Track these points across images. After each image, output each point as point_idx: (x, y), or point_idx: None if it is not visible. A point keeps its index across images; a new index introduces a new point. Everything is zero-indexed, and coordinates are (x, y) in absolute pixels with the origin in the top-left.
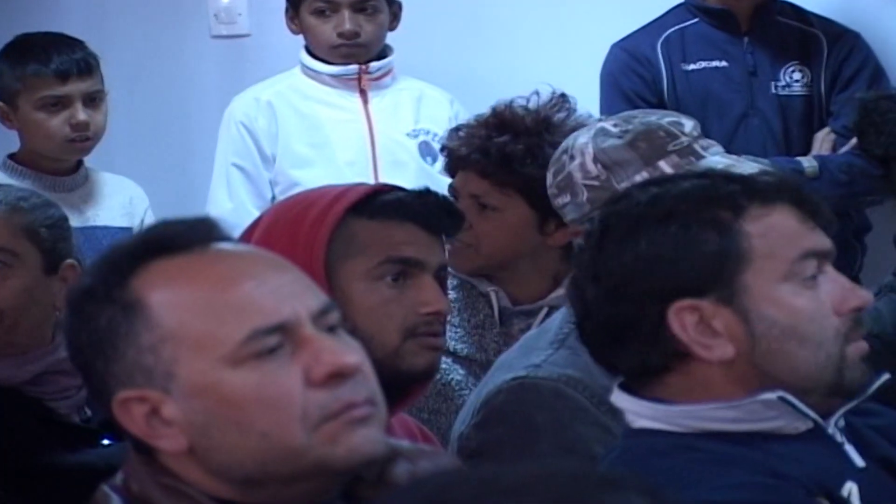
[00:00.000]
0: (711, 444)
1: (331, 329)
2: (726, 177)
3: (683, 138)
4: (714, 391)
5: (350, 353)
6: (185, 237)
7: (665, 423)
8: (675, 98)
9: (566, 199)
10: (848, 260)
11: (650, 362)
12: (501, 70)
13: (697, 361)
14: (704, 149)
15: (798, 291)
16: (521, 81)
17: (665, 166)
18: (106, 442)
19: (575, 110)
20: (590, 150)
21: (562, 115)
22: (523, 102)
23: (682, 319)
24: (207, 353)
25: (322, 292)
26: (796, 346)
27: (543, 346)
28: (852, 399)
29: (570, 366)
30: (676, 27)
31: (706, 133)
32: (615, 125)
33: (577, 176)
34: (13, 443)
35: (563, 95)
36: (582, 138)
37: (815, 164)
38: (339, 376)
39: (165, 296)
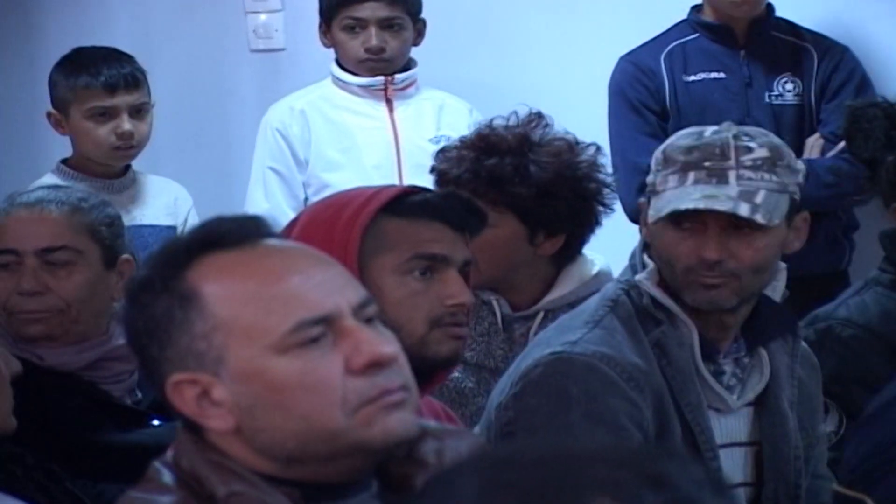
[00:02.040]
0: None
1: (369, 321)
2: None
3: (729, 162)
4: None
5: (387, 343)
6: (236, 233)
7: None
8: (677, 107)
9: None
10: (837, 256)
11: None
12: (515, 81)
13: None
14: (747, 179)
15: None
16: (532, 90)
17: (691, 177)
18: (156, 423)
19: (551, 126)
20: (671, 139)
21: (539, 131)
22: (503, 122)
23: None
24: (255, 341)
25: (361, 286)
26: None
27: (579, 326)
28: None
29: (604, 344)
30: (679, 41)
31: None
32: (713, 131)
33: (653, 159)
34: (70, 423)
35: (539, 114)
36: (684, 131)
37: (802, 167)
38: (376, 365)
39: (219, 288)
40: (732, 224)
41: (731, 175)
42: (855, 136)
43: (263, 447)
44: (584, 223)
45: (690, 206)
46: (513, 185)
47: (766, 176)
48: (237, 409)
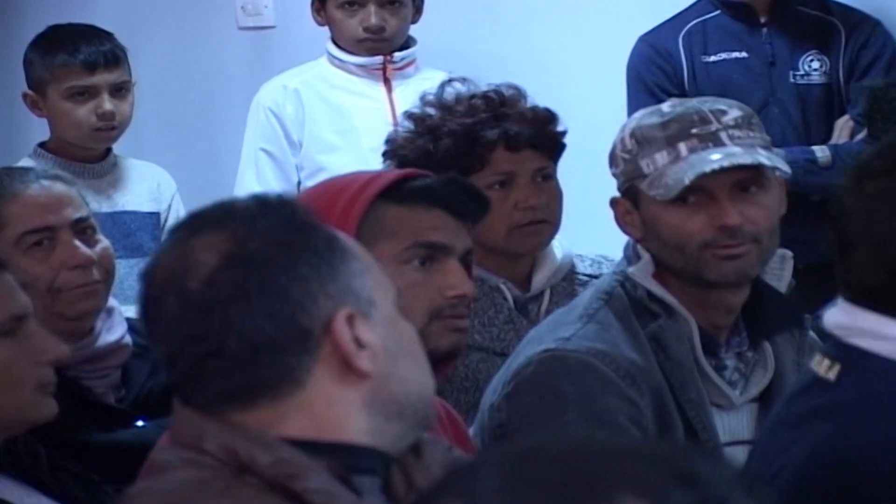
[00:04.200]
0: None
1: None
2: None
3: (714, 125)
4: None
5: None
6: None
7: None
8: (696, 89)
9: (612, 169)
10: None
11: None
12: (519, 60)
13: None
14: (736, 138)
15: None
16: (538, 68)
17: (683, 148)
18: (140, 423)
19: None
20: (633, 126)
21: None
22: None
23: None
24: (388, 292)
25: (399, 277)
26: None
27: (573, 321)
28: None
29: (599, 340)
30: (698, 19)
31: None
32: (670, 105)
33: (618, 149)
34: (54, 421)
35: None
36: (638, 113)
37: (828, 153)
38: None
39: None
40: (739, 188)
41: (724, 136)
42: (875, 117)
43: (385, 398)
44: None
45: (716, 166)
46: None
47: (751, 133)
48: (382, 352)
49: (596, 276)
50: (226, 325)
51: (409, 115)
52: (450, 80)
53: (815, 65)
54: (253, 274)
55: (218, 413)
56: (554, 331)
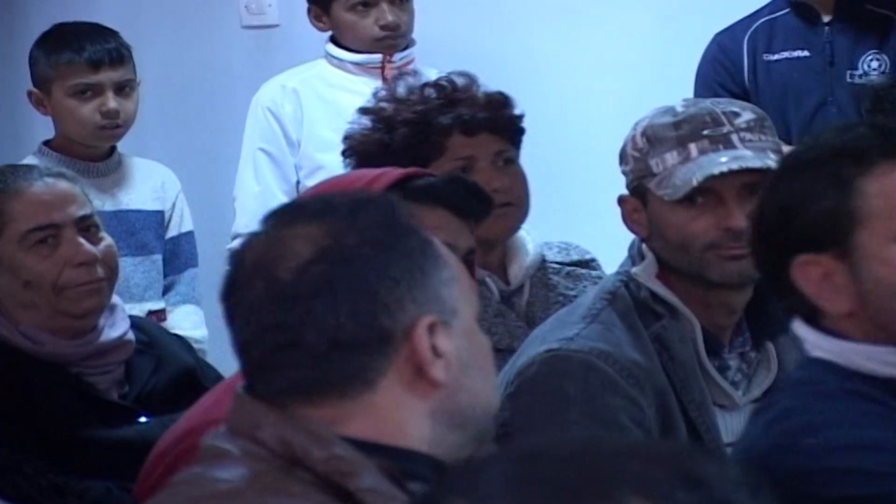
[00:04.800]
0: (876, 393)
1: None
2: (878, 129)
3: (726, 127)
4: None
5: None
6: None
7: (841, 358)
8: (756, 88)
9: (621, 167)
10: None
11: (796, 308)
12: (520, 57)
13: (829, 313)
14: (747, 141)
15: None
16: (539, 68)
17: (693, 149)
18: (143, 419)
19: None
20: (645, 123)
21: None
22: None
23: (805, 273)
24: (470, 304)
25: None
26: None
27: (576, 321)
28: None
29: (602, 340)
30: (767, 18)
31: (785, 122)
32: (684, 105)
33: (629, 147)
34: (57, 417)
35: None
36: (651, 112)
37: None
38: None
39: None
40: (748, 191)
41: (735, 139)
42: (877, 117)
43: (452, 408)
44: None
45: (724, 168)
46: None
47: (763, 136)
48: (457, 363)
49: (566, 263)
50: (308, 318)
51: (363, 110)
52: (401, 75)
53: (875, 64)
54: (343, 270)
55: (282, 405)
56: (557, 331)
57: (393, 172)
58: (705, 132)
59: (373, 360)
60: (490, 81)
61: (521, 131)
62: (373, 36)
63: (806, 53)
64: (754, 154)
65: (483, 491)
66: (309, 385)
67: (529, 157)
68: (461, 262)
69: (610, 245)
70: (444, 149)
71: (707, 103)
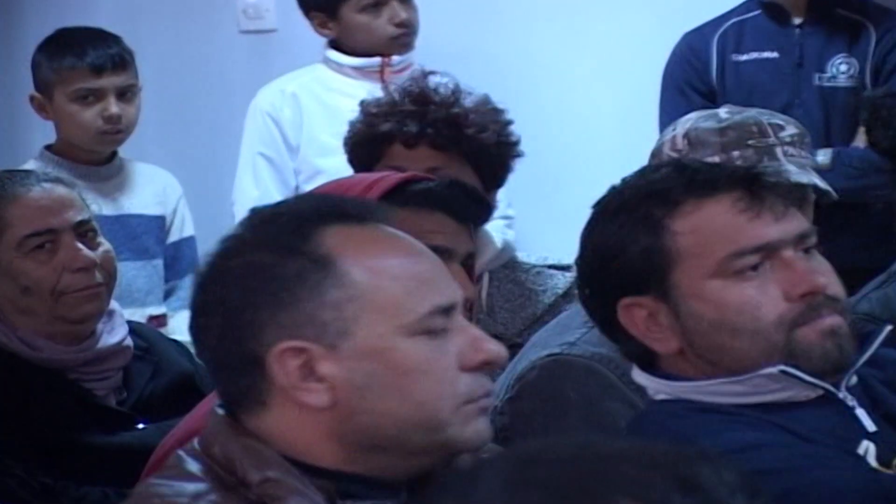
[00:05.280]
0: (728, 409)
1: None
2: (680, 168)
3: (771, 139)
4: (690, 376)
5: (500, 345)
6: (360, 209)
7: (682, 396)
8: (724, 88)
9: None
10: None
11: (632, 351)
12: (519, 60)
13: (660, 353)
14: (790, 156)
15: (728, 286)
16: (537, 70)
17: (737, 156)
18: (141, 426)
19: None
20: (687, 126)
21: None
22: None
23: (631, 315)
24: (390, 319)
25: None
26: (728, 337)
27: (577, 325)
28: (845, 370)
29: (603, 345)
30: (738, 18)
31: None
32: (728, 111)
33: (666, 147)
34: (54, 423)
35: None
36: (693, 114)
37: (828, 156)
38: (489, 365)
39: (359, 258)
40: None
41: (779, 151)
42: (874, 126)
43: (353, 431)
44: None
45: (773, 181)
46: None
47: (803, 153)
48: (346, 386)
49: (541, 265)
50: (201, 336)
51: (361, 102)
52: (424, 75)
53: (843, 67)
54: (219, 291)
55: (237, 417)
56: (558, 335)
57: (391, 177)
58: (750, 142)
59: (254, 382)
60: (488, 82)
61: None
62: (389, 34)
63: (775, 54)
64: (798, 169)
65: (479, 495)
66: (229, 400)
67: (525, 159)
68: (461, 267)
69: None
70: (382, 156)
71: (753, 112)
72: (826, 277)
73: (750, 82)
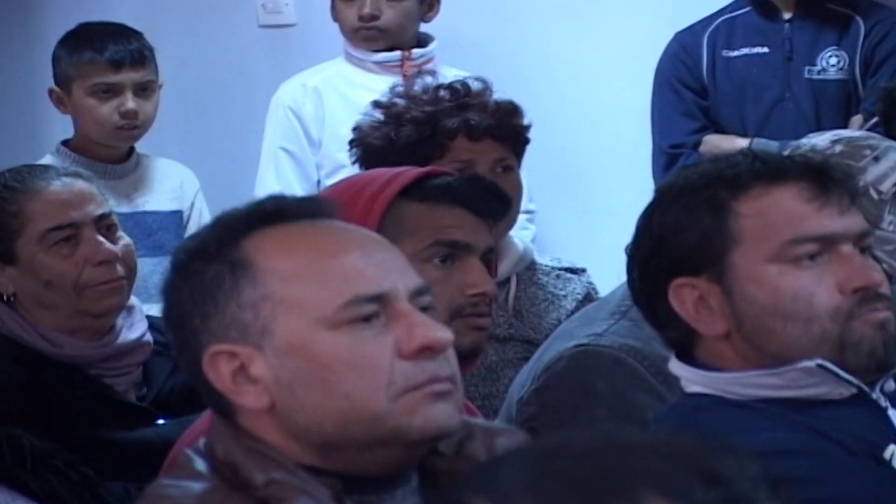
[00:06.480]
0: (758, 405)
1: (423, 310)
2: (748, 155)
3: None
4: (728, 365)
5: (442, 330)
6: (296, 208)
7: (715, 389)
8: (714, 84)
9: None
10: None
11: (673, 337)
12: (540, 57)
13: (706, 337)
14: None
15: (784, 272)
16: (557, 67)
17: None
18: (161, 421)
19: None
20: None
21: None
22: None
23: (681, 297)
24: (306, 313)
25: (419, 275)
26: (780, 322)
27: (605, 317)
28: (887, 369)
29: (631, 336)
30: (729, 15)
31: (742, 118)
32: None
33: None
34: (75, 419)
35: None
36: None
37: None
38: (428, 350)
39: (274, 257)
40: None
41: None
42: (892, 117)
43: (300, 429)
44: None
45: None
46: None
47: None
48: (276, 385)
49: (556, 268)
50: (173, 349)
51: (376, 104)
52: (419, 74)
53: (833, 60)
54: (168, 305)
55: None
56: (586, 326)
57: (410, 172)
58: None
59: (212, 389)
60: (507, 80)
61: (526, 141)
62: (352, 26)
63: (765, 49)
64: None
65: (502, 488)
66: (210, 405)
67: (546, 155)
68: (480, 262)
69: (625, 242)
70: (447, 150)
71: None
72: (880, 276)
73: (741, 78)
